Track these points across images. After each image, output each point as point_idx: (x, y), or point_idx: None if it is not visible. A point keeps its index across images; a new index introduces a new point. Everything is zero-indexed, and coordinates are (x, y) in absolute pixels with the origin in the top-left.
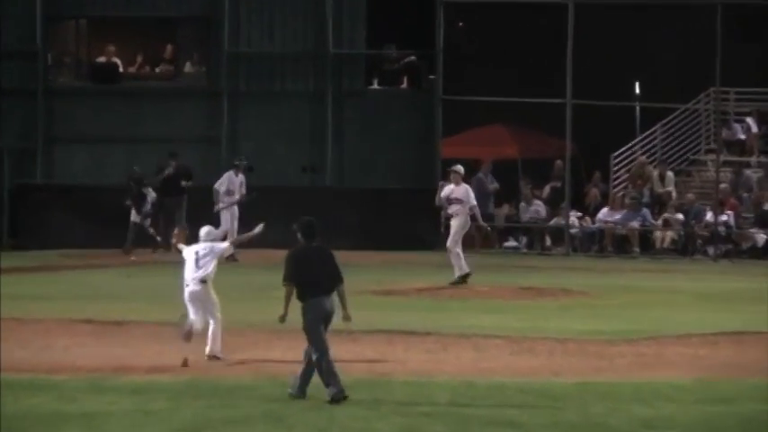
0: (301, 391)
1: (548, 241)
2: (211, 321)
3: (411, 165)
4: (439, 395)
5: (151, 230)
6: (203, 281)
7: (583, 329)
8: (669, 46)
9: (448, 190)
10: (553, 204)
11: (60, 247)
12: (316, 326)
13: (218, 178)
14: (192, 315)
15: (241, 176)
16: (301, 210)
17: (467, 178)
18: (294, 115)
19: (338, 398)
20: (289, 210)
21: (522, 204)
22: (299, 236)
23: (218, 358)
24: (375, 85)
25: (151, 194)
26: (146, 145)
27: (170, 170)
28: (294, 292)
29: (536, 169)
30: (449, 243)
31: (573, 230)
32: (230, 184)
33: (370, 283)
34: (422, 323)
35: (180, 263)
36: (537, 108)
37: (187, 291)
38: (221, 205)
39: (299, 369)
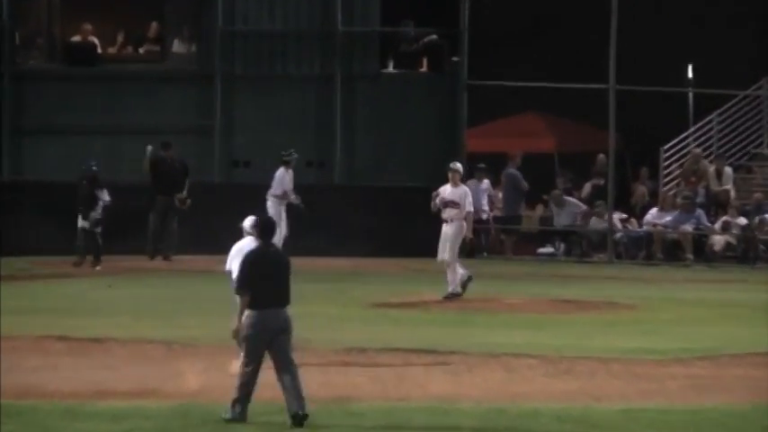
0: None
1: (588, 247)
2: None
3: (431, 160)
4: (464, 423)
5: (100, 241)
6: None
7: (629, 348)
8: (727, 24)
9: (443, 190)
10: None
11: (30, 254)
12: (258, 341)
13: (211, 174)
14: None
15: (291, 173)
16: (307, 208)
17: (496, 175)
18: (297, 103)
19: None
20: (291, 211)
21: (554, 207)
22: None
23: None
24: (390, 69)
25: (105, 197)
26: (127, 137)
27: (158, 156)
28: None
29: (575, 164)
30: (447, 256)
31: (617, 235)
32: (284, 184)
33: (385, 294)
34: (444, 340)
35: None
36: (576, 94)
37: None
38: (271, 207)
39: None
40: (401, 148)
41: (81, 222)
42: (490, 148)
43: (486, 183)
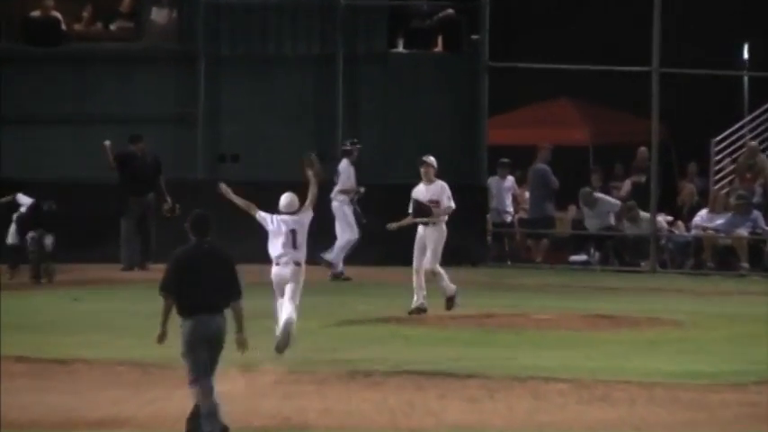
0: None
1: (627, 254)
2: (289, 309)
3: (449, 153)
4: None
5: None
6: (298, 263)
7: (674, 371)
8: None
9: (417, 192)
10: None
11: None
12: (196, 351)
13: (194, 171)
14: (278, 306)
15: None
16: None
17: (522, 171)
18: (294, 87)
19: None
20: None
21: (584, 207)
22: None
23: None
24: (400, 48)
25: (23, 200)
26: (96, 127)
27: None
28: (174, 305)
29: (613, 159)
30: (429, 265)
31: (661, 240)
32: (351, 179)
33: (396, 308)
34: (462, 362)
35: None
36: (614, 78)
37: (277, 271)
38: (338, 207)
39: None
40: (412, 141)
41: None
42: (515, 140)
43: (510, 180)
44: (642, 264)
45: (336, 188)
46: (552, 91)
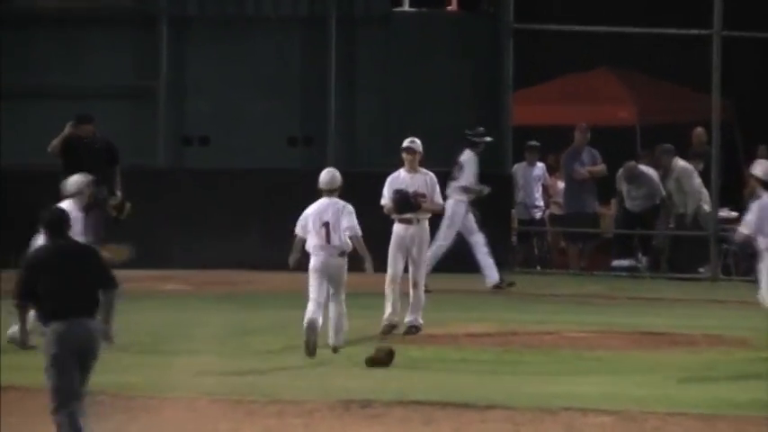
0: None
1: (683, 257)
2: (335, 306)
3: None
4: None
5: None
6: (342, 253)
7: (739, 400)
8: None
9: (395, 179)
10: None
11: None
12: (62, 364)
13: (154, 155)
14: (312, 302)
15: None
16: (288, 205)
17: (555, 154)
18: (276, 55)
19: None
20: (267, 206)
21: (625, 186)
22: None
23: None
24: (406, 7)
25: None
26: (37, 102)
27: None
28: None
29: (664, 141)
30: (417, 276)
31: (725, 241)
32: (474, 174)
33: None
34: (481, 389)
35: None
36: (666, 44)
37: (315, 262)
38: (453, 205)
39: None
40: (420, 119)
41: None
42: (546, 119)
43: (540, 167)
44: (701, 270)
45: (455, 184)
46: (590, 60)
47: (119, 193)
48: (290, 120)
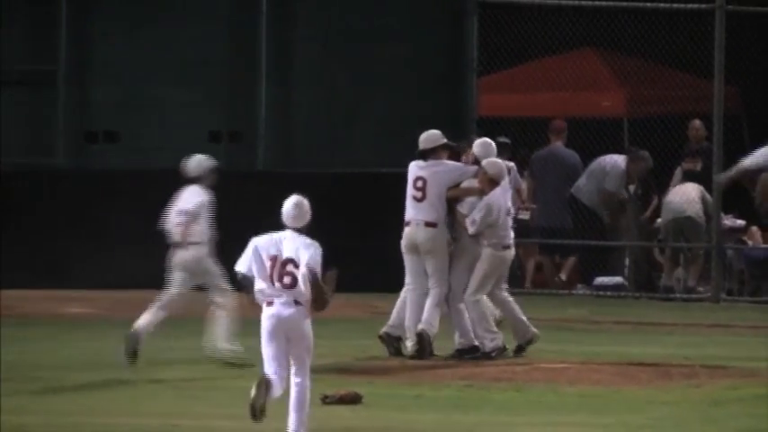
0: None
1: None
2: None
3: (421, 125)
4: None
5: None
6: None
7: None
8: None
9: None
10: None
11: None
12: None
13: (52, 154)
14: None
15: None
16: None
17: (529, 153)
18: (197, 33)
19: None
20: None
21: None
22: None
23: None
24: None
25: None
26: None
27: None
28: None
29: (656, 134)
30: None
31: (729, 255)
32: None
33: (341, 355)
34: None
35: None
36: (661, 21)
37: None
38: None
39: None
40: (371, 110)
41: None
42: (518, 110)
43: (510, 167)
44: (701, 289)
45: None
46: (572, 39)
47: None
48: (212, 112)
